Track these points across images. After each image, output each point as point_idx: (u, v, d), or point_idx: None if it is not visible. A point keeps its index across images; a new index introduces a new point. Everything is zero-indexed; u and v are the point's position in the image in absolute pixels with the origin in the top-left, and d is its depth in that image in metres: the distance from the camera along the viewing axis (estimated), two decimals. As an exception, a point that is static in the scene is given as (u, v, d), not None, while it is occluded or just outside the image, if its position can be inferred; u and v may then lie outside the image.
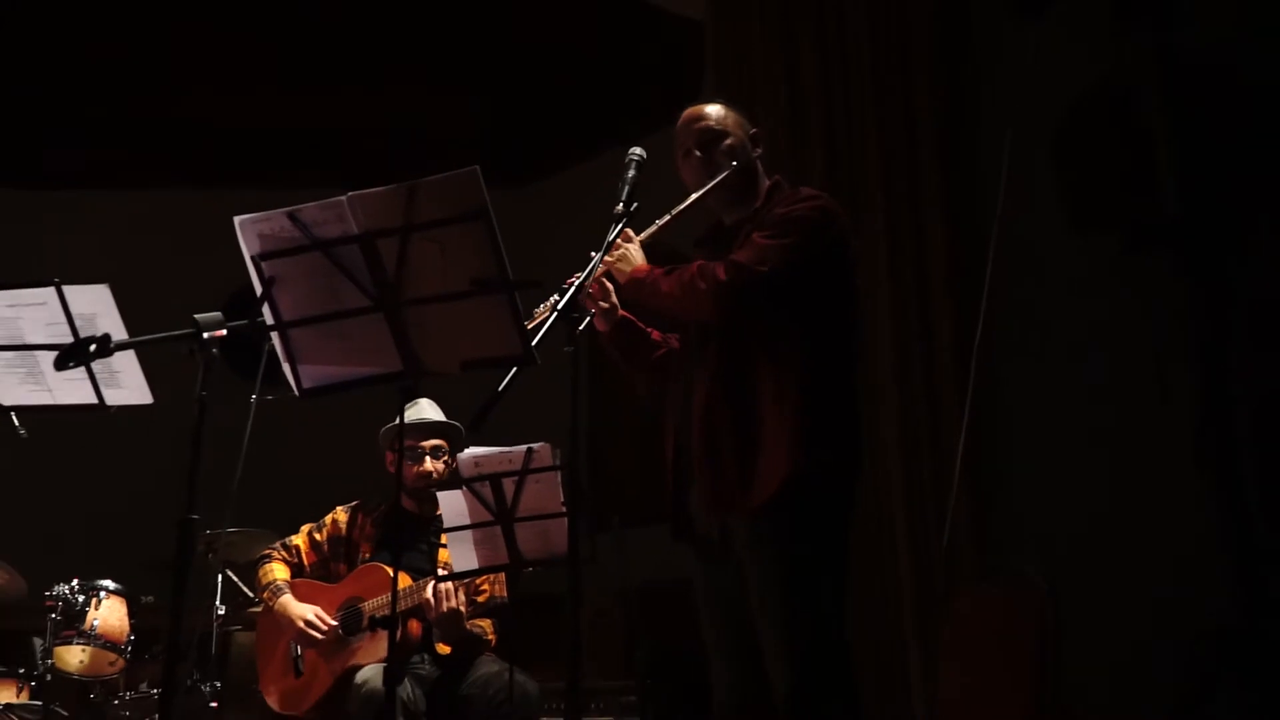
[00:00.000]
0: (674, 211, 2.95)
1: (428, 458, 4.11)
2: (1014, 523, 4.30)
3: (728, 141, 3.00)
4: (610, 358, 3.14)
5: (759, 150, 3.08)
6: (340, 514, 4.23)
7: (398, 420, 2.86)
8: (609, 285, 2.99)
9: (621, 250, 2.93)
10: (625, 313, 3.06)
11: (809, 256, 2.83)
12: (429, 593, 3.79)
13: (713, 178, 2.96)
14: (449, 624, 3.83)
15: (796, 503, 2.74)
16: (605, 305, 3.00)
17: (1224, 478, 2.92)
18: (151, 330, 2.59)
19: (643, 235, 2.96)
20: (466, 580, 3.93)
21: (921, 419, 4.63)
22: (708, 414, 2.84)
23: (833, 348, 2.88)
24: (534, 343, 2.52)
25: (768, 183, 3.05)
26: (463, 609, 3.85)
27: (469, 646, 3.96)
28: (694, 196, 2.97)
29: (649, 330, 3.11)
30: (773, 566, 2.75)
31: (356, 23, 6.58)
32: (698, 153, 3.00)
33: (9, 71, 6.75)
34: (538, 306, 2.72)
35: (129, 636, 4.77)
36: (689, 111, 3.08)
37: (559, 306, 2.67)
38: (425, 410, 4.19)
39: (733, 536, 2.84)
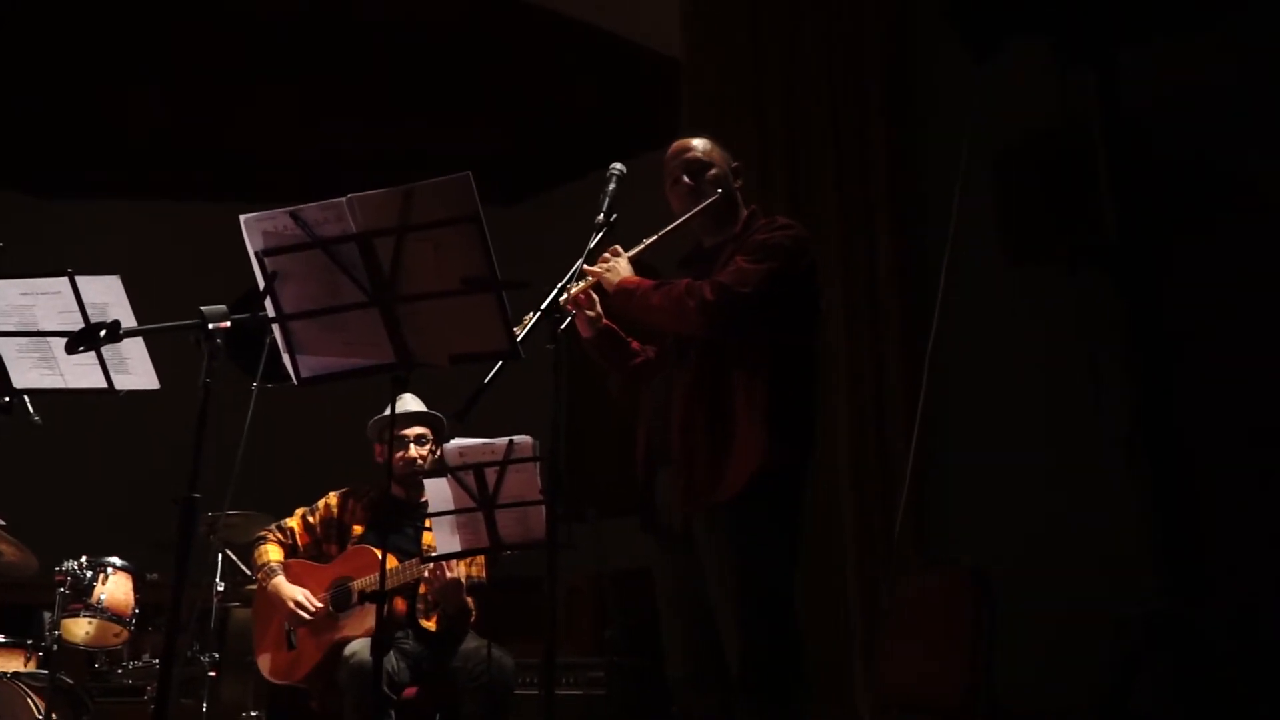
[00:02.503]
0: (661, 232, 2.95)
1: (412, 445, 4.05)
2: (954, 519, 4.28)
3: (712, 171, 3.01)
4: (591, 357, 3.11)
5: (739, 182, 3.09)
6: (333, 498, 4.16)
7: (387, 412, 2.80)
8: (595, 296, 2.97)
9: (611, 263, 2.93)
10: (609, 322, 3.04)
11: (785, 279, 2.85)
12: (429, 566, 3.72)
13: (698, 203, 2.97)
14: (450, 592, 3.78)
15: (760, 496, 2.76)
16: (591, 314, 2.98)
17: (1154, 476, 2.88)
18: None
19: (631, 252, 2.95)
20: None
21: (869, 422, 4.61)
22: (686, 417, 2.85)
23: (798, 361, 2.91)
24: (519, 339, 2.48)
25: (745, 211, 3.06)
26: (463, 580, 3.81)
27: (462, 619, 3.90)
28: (681, 219, 2.98)
29: (629, 340, 3.10)
30: (735, 552, 2.76)
31: (368, 62, 6.53)
32: (686, 180, 3.01)
33: (41, 94, 6.64)
34: (526, 315, 2.66)
35: (134, 610, 4.66)
36: (677, 144, 3.09)
37: (543, 305, 2.63)
38: (408, 403, 4.13)
39: (694, 528, 2.83)
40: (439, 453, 3.76)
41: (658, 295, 2.87)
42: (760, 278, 2.81)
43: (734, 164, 3.08)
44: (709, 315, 2.79)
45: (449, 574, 3.75)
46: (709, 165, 3.01)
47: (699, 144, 3.06)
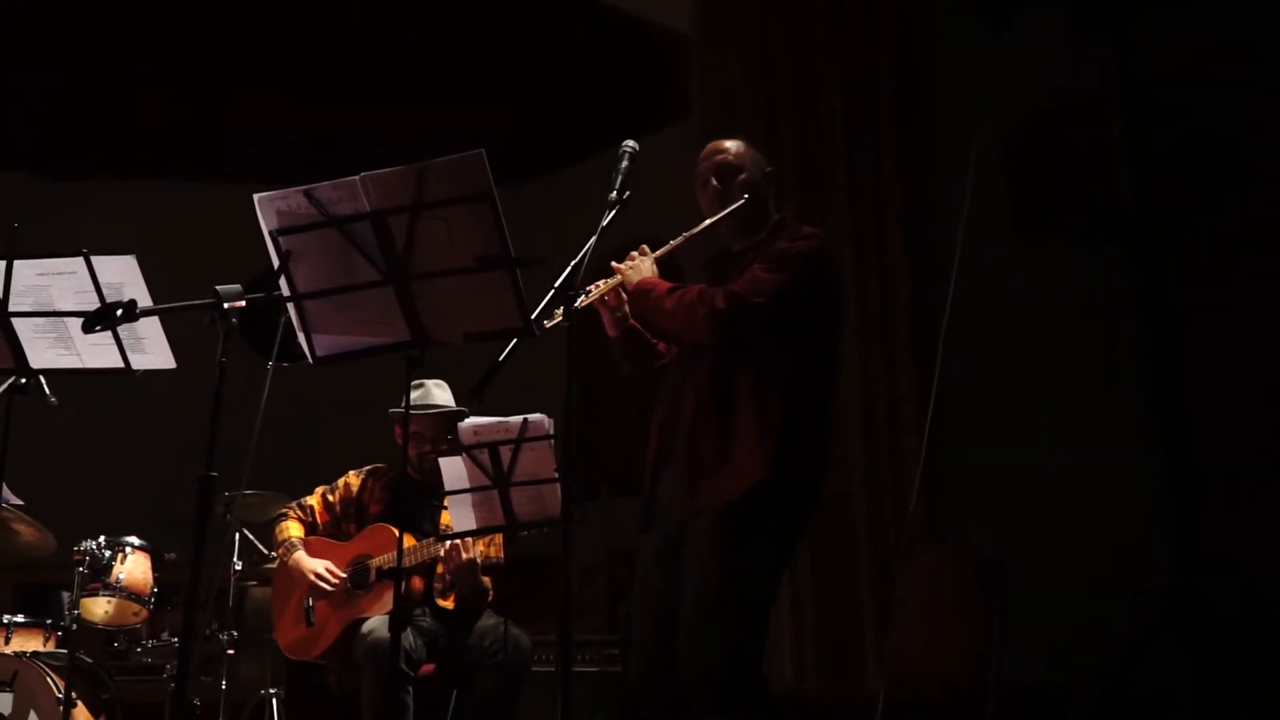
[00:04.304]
0: (686, 235, 2.91)
1: (431, 444, 4.01)
2: (967, 496, 4.26)
3: (742, 176, 2.95)
4: (614, 358, 3.08)
5: (772, 188, 3.03)
6: (352, 477, 4.16)
7: (404, 403, 2.79)
8: (624, 295, 2.93)
9: (635, 262, 2.90)
10: (635, 322, 2.99)
11: (801, 291, 2.79)
12: (446, 545, 3.72)
13: (725, 207, 2.92)
14: (466, 573, 3.78)
15: (756, 508, 2.70)
16: (618, 314, 2.95)
17: (1167, 449, 2.85)
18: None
19: (658, 253, 2.91)
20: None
21: (880, 400, 4.60)
22: (694, 422, 2.79)
23: (814, 372, 2.85)
24: (533, 317, 2.46)
25: (776, 218, 3.01)
26: (479, 560, 3.81)
27: (479, 598, 3.91)
28: (707, 222, 2.93)
29: (655, 341, 3.06)
30: (718, 557, 2.70)
31: (373, 41, 6.50)
32: (715, 183, 2.95)
33: (58, 72, 6.62)
34: (545, 300, 2.63)
35: (152, 589, 4.67)
36: (710, 146, 3.04)
37: (557, 284, 2.60)
38: (433, 394, 4.07)
39: (690, 533, 2.77)
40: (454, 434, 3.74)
41: (671, 299, 2.82)
42: (775, 288, 2.74)
43: (767, 169, 3.02)
44: (719, 324, 2.73)
45: (464, 555, 3.75)
46: (739, 170, 2.95)
47: (731, 146, 3.00)
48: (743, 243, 2.98)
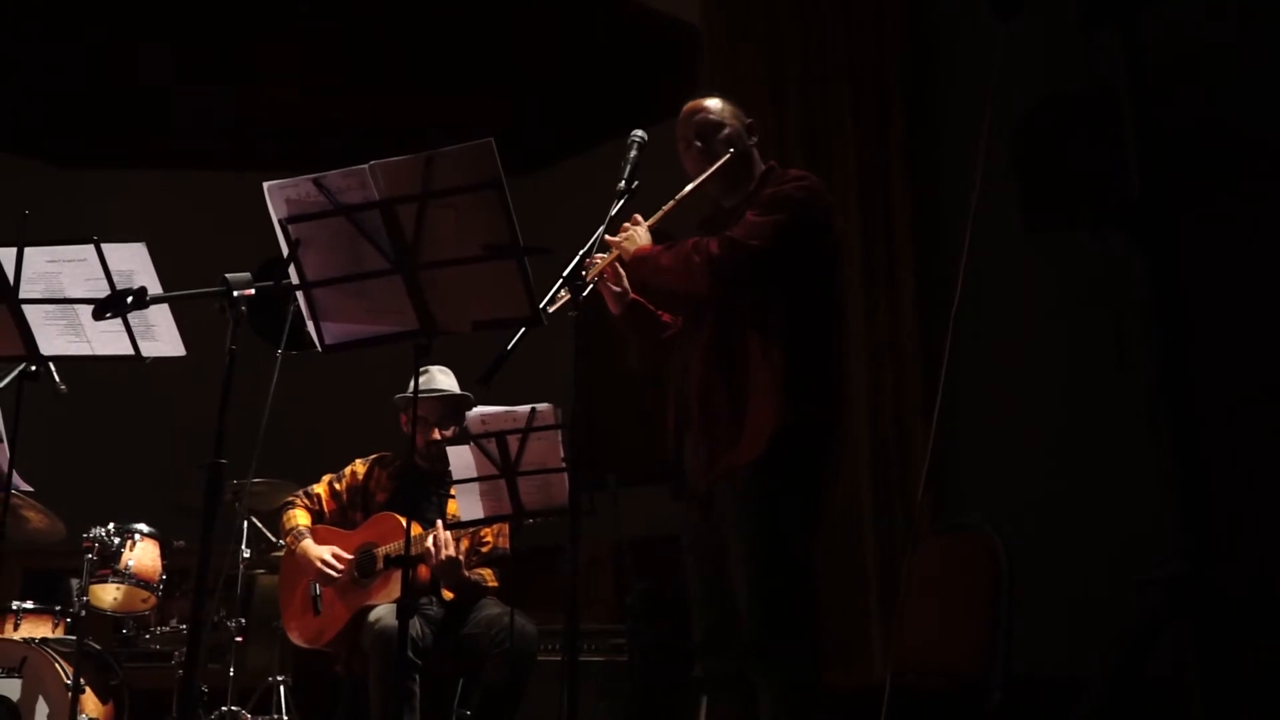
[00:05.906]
0: (677, 197, 2.90)
1: (436, 427, 4.03)
2: (974, 485, 4.26)
3: (725, 131, 2.95)
4: (622, 334, 3.08)
5: (755, 139, 3.03)
6: (359, 466, 4.17)
7: (411, 388, 2.80)
8: (621, 271, 2.94)
9: (630, 231, 2.89)
10: (636, 296, 3.00)
11: (796, 232, 2.79)
12: (429, 542, 3.73)
13: (712, 165, 2.91)
14: (447, 570, 3.79)
15: (779, 460, 2.71)
16: (618, 290, 2.96)
17: (1175, 437, 2.84)
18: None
19: (650, 220, 2.91)
20: (471, 531, 3.89)
21: (887, 389, 4.60)
22: (704, 382, 2.81)
23: (816, 317, 2.84)
24: (542, 306, 2.47)
25: (763, 168, 3.00)
26: (460, 557, 3.81)
27: (468, 592, 3.91)
28: (695, 182, 2.92)
29: (659, 312, 3.06)
30: (754, 519, 2.72)
31: (377, 31, 6.49)
32: (698, 143, 2.95)
33: (67, 59, 6.63)
34: (554, 289, 2.63)
35: (161, 576, 4.70)
36: (689, 105, 3.02)
37: (565, 273, 2.61)
38: (437, 379, 4.09)
39: (719, 495, 2.80)
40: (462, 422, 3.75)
41: (667, 256, 2.82)
42: (770, 231, 2.74)
43: (748, 120, 3.01)
44: (717, 271, 2.73)
45: (443, 553, 3.73)
46: (721, 125, 2.95)
47: (711, 103, 2.99)
48: (734, 198, 2.98)
